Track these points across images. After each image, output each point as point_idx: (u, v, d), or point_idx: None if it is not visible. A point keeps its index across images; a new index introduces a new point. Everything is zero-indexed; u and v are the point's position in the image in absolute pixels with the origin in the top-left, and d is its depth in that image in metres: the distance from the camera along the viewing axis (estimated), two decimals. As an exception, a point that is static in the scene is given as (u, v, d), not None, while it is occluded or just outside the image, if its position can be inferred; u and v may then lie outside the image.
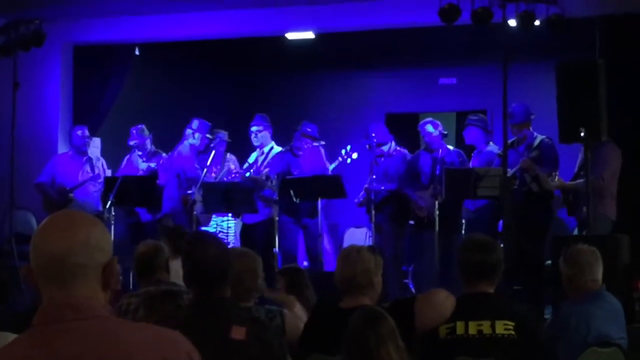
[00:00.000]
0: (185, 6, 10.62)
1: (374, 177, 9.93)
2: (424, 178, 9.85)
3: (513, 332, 4.31)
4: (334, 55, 12.93)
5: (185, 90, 13.06)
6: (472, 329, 4.34)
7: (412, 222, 10.00)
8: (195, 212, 9.98)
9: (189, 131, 10.39)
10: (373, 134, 10.00)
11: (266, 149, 10.37)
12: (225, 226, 10.50)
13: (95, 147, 11.16)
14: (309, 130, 10.21)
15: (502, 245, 7.47)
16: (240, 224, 10.54)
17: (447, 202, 9.39)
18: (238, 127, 11.32)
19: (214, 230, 10.17)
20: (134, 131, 10.57)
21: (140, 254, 5.65)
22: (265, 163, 10.26)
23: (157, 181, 10.17)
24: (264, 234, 10.09)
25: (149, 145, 10.61)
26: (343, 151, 10.11)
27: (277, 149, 10.37)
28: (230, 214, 10.35)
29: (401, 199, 9.94)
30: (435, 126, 9.92)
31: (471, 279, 4.50)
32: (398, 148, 10.20)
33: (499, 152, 9.16)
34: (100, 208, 9.98)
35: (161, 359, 2.10)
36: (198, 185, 9.93)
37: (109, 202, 9.66)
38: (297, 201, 9.79)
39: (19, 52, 9.71)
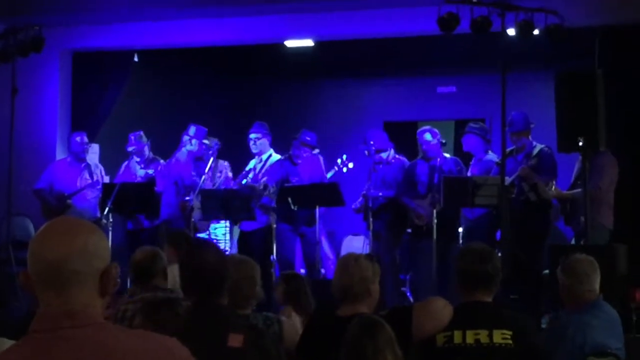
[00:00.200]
0: (185, 13, 10.62)
1: (371, 183, 9.94)
2: (421, 187, 9.85)
3: (511, 342, 4.31)
4: (333, 63, 12.93)
5: (184, 97, 13.05)
6: (470, 337, 4.33)
7: (410, 230, 10.01)
8: (193, 219, 9.99)
9: (186, 138, 10.41)
10: (371, 141, 10.01)
11: (264, 157, 10.37)
12: (220, 233, 10.52)
13: (93, 153, 11.17)
14: (308, 139, 10.21)
15: (500, 254, 7.48)
16: (238, 231, 10.54)
17: (445, 210, 9.40)
18: (237, 135, 11.32)
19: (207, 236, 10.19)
20: (133, 137, 10.58)
21: (138, 261, 5.64)
22: (263, 171, 10.26)
23: (155, 188, 10.17)
24: (262, 242, 10.10)
25: (146, 151, 10.61)
26: (339, 160, 10.10)
27: (276, 156, 10.37)
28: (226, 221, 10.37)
29: (398, 207, 9.94)
30: (433, 135, 9.92)
31: (469, 287, 4.49)
32: (397, 156, 10.20)
33: (498, 160, 9.17)
34: (99, 214, 9.99)
35: (158, 367, 2.10)
36: (196, 192, 9.94)
37: (107, 209, 9.67)
38: (295, 209, 9.79)
39: (18, 58, 9.70)
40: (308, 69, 13.10)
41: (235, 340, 3.67)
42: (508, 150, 8.69)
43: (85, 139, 10.62)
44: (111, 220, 9.77)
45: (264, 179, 10.11)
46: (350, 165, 10.06)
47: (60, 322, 2.09)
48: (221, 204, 9.73)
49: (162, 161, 10.56)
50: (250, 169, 10.36)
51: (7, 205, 9.73)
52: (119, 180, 10.31)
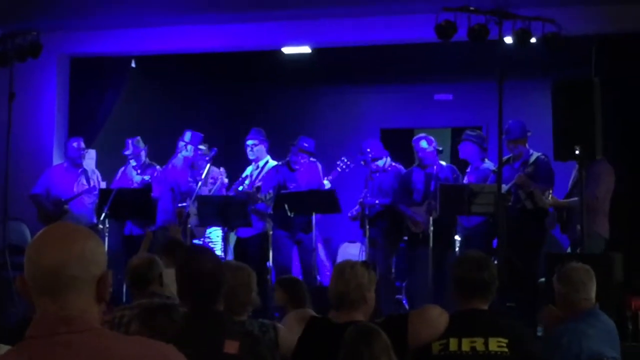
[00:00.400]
0: (182, 19, 10.64)
1: (368, 191, 9.95)
2: (417, 194, 9.84)
3: (506, 350, 4.30)
4: (330, 70, 12.95)
5: (182, 103, 13.06)
6: (465, 345, 4.33)
7: (406, 237, 10.01)
8: (189, 225, 9.99)
9: (181, 143, 10.40)
10: (368, 150, 10.02)
11: (261, 163, 10.37)
12: (214, 236, 10.53)
13: (90, 159, 11.17)
14: (306, 145, 10.21)
15: (496, 262, 7.47)
16: (234, 237, 10.54)
17: (442, 218, 9.39)
18: (234, 141, 11.32)
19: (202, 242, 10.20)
20: (130, 141, 10.60)
21: (134, 267, 5.63)
22: (260, 177, 10.26)
23: (151, 194, 10.17)
24: (258, 248, 10.09)
25: (143, 156, 10.62)
26: (340, 162, 10.08)
27: (273, 163, 10.38)
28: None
29: (395, 214, 9.94)
30: (429, 142, 9.91)
31: (465, 295, 4.49)
32: (393, 164, 10.20)
33: (494, 168, 9.17)
34: (95, 220, 10.00)
35: (154, 373, 2.10)
36: (193, 198, 9.94)
37: (103, 214, 9.67)
38: (292, 215, 9.79)
39: (15, 63, 9.71)
40: (306, 75, 13.11)
41: (231, 347, 3.67)
42: (505, 158, 8.70)
43: (82, 145, 10.63)
44: (107, 225, 9.77)
45: (259, 183, 10.11)
46: (349, 164, 10.05)
47: (57, 328, 2.09)
48: (218, 210, 9.72)
49: (158, 167, 10.56)
50: (246, 176, 10.36)
51: (4, 209, 9.71)
52: (116, 185, 10.32)
